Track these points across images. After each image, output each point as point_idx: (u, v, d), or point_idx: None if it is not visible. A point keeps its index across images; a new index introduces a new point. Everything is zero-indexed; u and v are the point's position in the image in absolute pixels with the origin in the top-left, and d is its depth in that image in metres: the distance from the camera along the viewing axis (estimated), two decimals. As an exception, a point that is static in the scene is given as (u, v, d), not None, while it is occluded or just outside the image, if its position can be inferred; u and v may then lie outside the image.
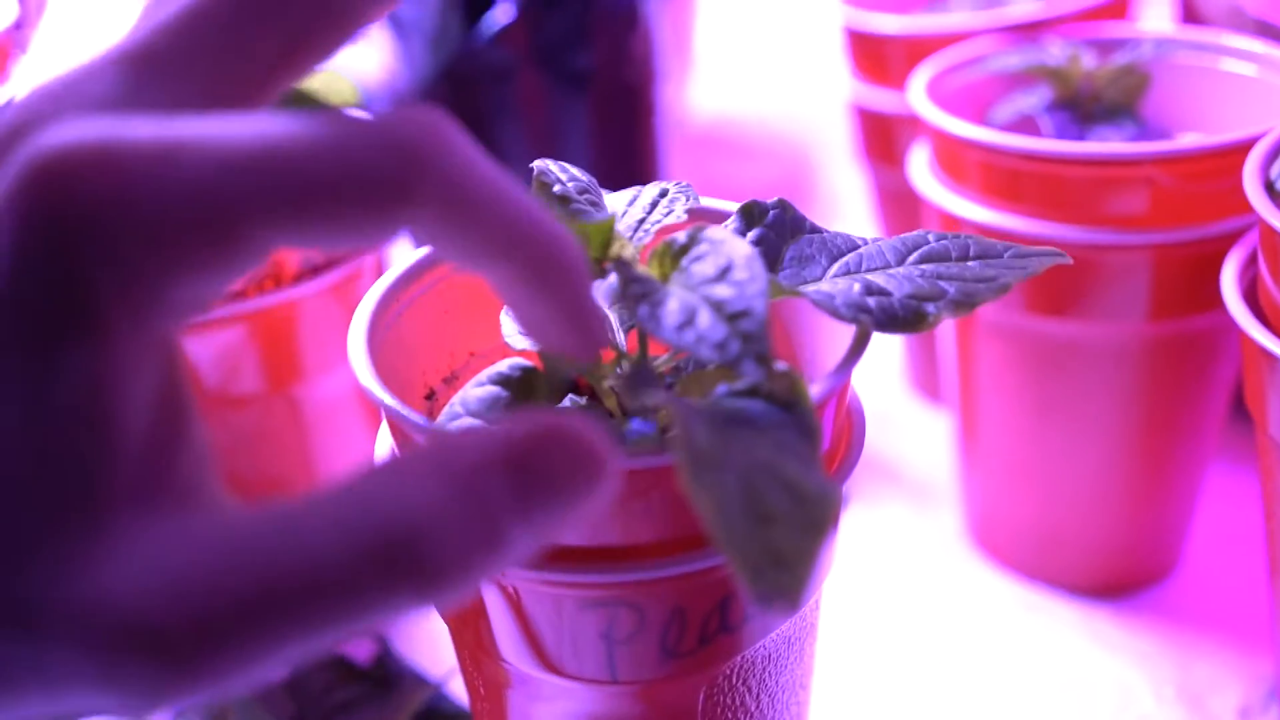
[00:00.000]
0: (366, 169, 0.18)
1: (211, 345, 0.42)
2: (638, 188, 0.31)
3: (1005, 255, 0.29)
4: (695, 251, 0.25)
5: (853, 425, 0.30)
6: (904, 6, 0.64)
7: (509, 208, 0.20)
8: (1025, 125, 0.49)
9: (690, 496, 0.21)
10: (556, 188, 0.30)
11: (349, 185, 0.19)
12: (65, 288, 0.18)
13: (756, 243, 0.29)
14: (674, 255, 0.26)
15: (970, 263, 0.29)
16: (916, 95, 0.46)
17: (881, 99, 0.58)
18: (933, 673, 0.47)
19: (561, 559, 0.26)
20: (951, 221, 0.45)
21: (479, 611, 0.29)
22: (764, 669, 0.30)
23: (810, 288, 0.28)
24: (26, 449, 0.18)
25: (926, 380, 0.63)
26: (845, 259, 0.29)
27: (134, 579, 0.17)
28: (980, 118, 0.50)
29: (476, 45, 0.53)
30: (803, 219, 0.30)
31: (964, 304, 0.27)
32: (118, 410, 0.18)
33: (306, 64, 0.22)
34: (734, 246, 0.25)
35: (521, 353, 0.33)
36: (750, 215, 0.30)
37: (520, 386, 0.29)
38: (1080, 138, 0.45)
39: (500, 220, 0.20)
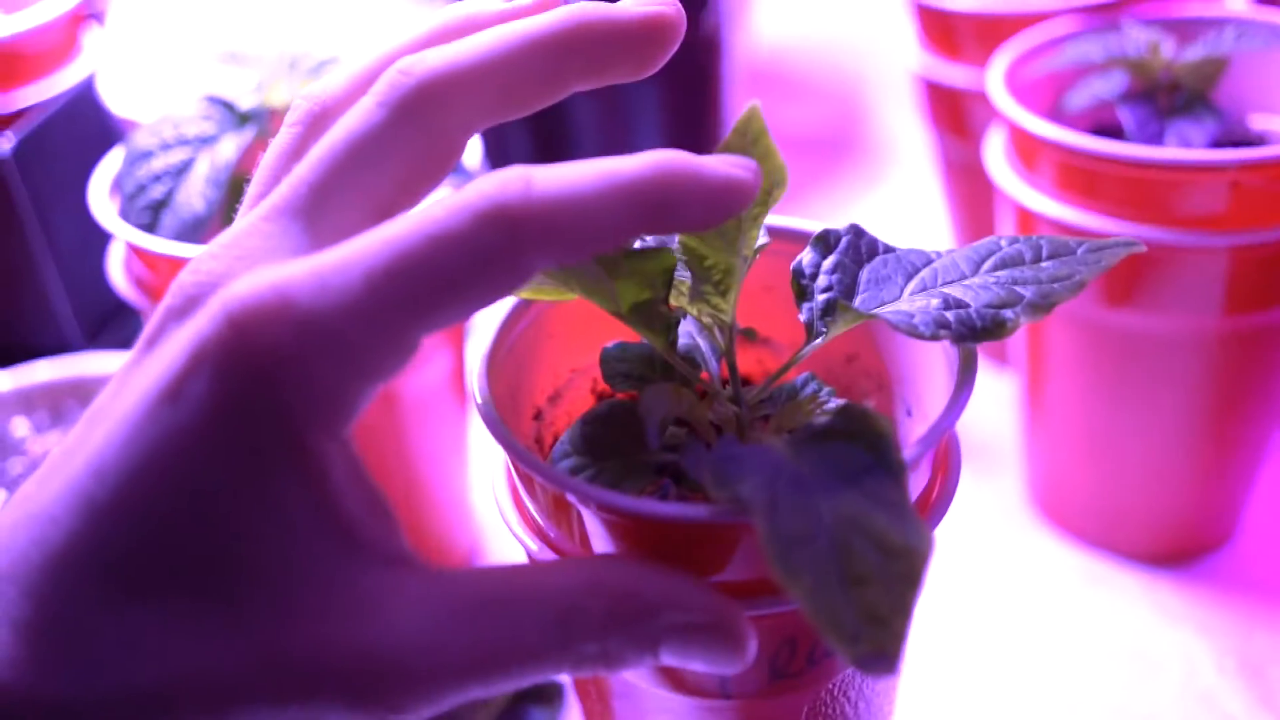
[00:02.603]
0: (478, 248, 0.22)
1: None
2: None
3: (1079, 251, 0.29)
4: None
5: (950, 457, 0.31)
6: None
7: (608, 203, 0.23)
8: (1102, 110, 0.49)
9: (779, 579, 0.22)
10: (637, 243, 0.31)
11: (471, 267, 0.22)
12: (268, 417, 0.21)
13: (832, 270, 0.30)
14: None
15: (1045, 263, 0.29)
16: (995, 86, 0.47)
17: (951, 74, 0.58)
18: (995, 642, 0.50)
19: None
20: (1027, 215, 0.46)
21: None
22: (863, 680, 0.32)
23: (889, 309, 0.28)
24: (271, 550, 0.22)
25: (991, 343, 0.64)
26: (921, 275, 0.29)
27: (385, 636, 0.22)
28: (1057, 99, 0.50)
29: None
30: (876, 241, 0.30)
31: (1041, 306, 0.27)
32: (332, 501, 0.23)
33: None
34: None
35: (622, 393, 0.35)
36: (825, 243, 0.30)
37: (620, 427, 0.30)
38: (1159, 132, 0.46)
39: (606, 222, 0.23)
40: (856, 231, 0.30)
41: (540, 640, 0.23)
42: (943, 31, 0.59)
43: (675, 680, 0.30)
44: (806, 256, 0.30)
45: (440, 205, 0.22)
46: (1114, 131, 0.48)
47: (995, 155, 0.48)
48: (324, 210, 0.24)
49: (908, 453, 0.26)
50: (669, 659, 0.24)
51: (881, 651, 0.22)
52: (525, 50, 0.26)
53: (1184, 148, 0.45)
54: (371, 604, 0.23)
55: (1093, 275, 0.28)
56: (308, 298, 0.21)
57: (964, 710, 0.47)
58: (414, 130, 0.25)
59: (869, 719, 0.34)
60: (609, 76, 0.27)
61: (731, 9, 0.64)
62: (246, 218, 0.25)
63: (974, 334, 0.27)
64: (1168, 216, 0.42)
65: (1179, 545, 0.52)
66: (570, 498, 0.27)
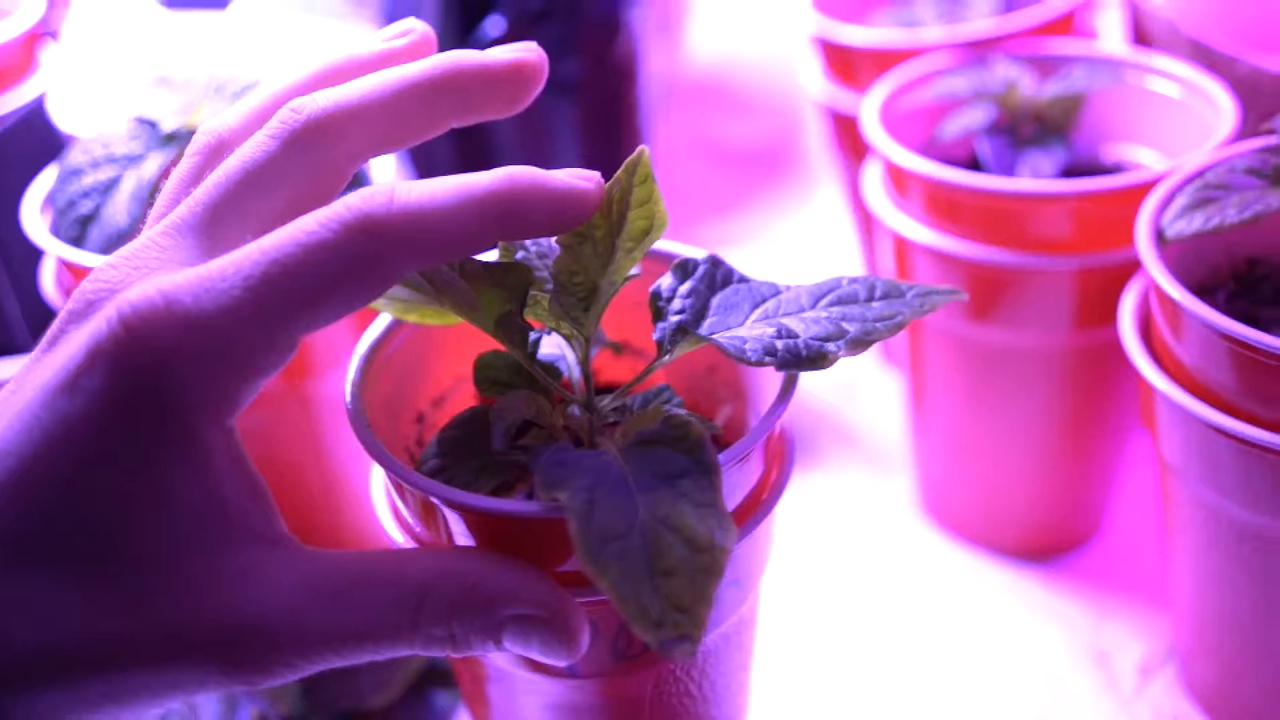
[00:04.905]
0: (346, 253, 0.25)
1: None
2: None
3: (909, 295, 0.32)
4: None
5: (784, 450, 0.35)
6: (870, 5, 0.67)
7: (463, 211, 0.26)
8: (971, 139, 0.53)
9: (587, 572, 0.25)
10: (519, 254, 0.34)
11: (340, 271, 0.25)
12: (155, 407, 0.25)
13: (687, 295, 0.33)
14: None
15: (875, 303, 0.32)
16: (868, 118, 0.51)
17: (850, 101, 0.62)
18: (874, 631, 0.53)
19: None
20: (900, 240, 0.50)
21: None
22: (705, 661, 0.36)
23: (728, 334, 0.31)
24: (156, 527, 0.25)
25: (891, 347, 0.68)
26: (766, 305, 0.32)
27: (256, 608, 0.25)
28: (932, 128, 0.54)
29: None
30: (732, 271, 0.34)
31: (862, 342, 0.30)
32: (213, 484, 0.26)
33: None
34: None
35: (486, 399, 0.38)
36: (684, 270, 0.33)
37: (481, 431, 0.33)
38: (1014, 162, 0.49)
39: (462, 228, 0.26)
40: (714, 261, 0.34)
41: (393, 620, 0.26)
42: (842, 63, 0.62)
43: (531, 662, 0.34)
44: (665, 281, 0.33)
45: (312, 217, 0.25)
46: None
47: (873, 184, 0.52)
48: (218, 228, 0.27)
49: (724, 455, 0.30)
50: (511, 646, 0.27)
51: (684, 636, 0.25)
52: (405, 92, 0.29)
53: (1035, 177, 0.49)
54: (245, 578, 0.26)
55: (914, 317, 0.31)
56: (192, 300, 0.24)
57: (830, 690, 0.51)
58: (302, 160, 0.28)
59: (714, 697, 0.37)
60: (481, 114, 0.30)
61: (647, 36, 0.68)
62: (145, 234, 0.28)
63: (798, 362, 0.30)
64: (1020, 240, 0.46)
65: (1046, 542, 0.56)
66: (432, 499, 0.31)
